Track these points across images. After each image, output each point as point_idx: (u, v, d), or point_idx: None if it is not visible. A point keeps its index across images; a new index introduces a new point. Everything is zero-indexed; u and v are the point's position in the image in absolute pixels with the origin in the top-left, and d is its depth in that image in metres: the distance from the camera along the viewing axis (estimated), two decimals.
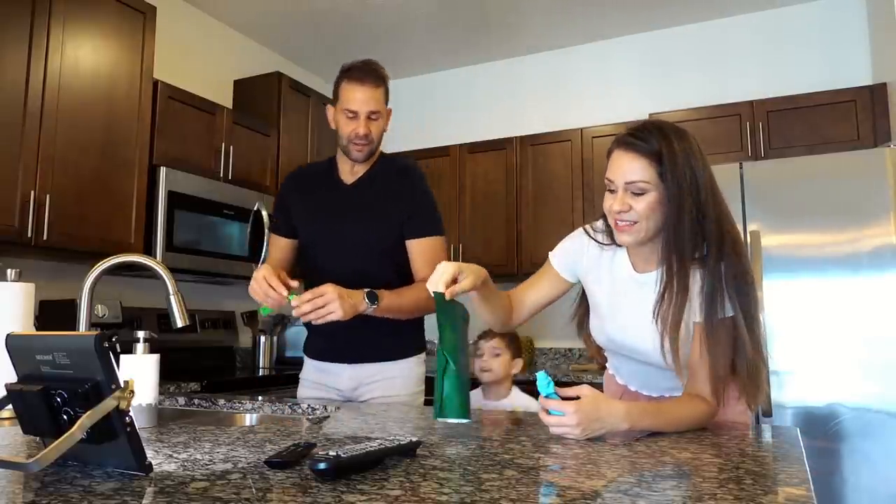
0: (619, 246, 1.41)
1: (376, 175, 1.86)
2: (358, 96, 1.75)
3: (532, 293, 1.51)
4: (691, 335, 1.29)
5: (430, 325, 1.89)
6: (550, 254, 1.51)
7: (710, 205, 1.26)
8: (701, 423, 1.24)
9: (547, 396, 1.15)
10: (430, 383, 1.90)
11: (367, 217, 1.80)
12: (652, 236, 1.29)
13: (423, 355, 1.89)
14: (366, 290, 1.60)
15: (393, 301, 1.66)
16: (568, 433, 1.11)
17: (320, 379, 1.86)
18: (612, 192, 1.30)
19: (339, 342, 1.80)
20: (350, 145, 1.78)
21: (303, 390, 1.91)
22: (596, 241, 1.44)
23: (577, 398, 1.13)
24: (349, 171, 1.86)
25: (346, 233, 1.80)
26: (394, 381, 1.79)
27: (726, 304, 1.24)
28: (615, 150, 1.30)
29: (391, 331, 1.74)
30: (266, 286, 1.54)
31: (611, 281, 1.42)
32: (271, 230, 1.95)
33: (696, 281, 1.27)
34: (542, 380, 1.16)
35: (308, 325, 1.88)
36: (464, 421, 1.15)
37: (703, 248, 1.27)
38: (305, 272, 1.90)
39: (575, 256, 1.47)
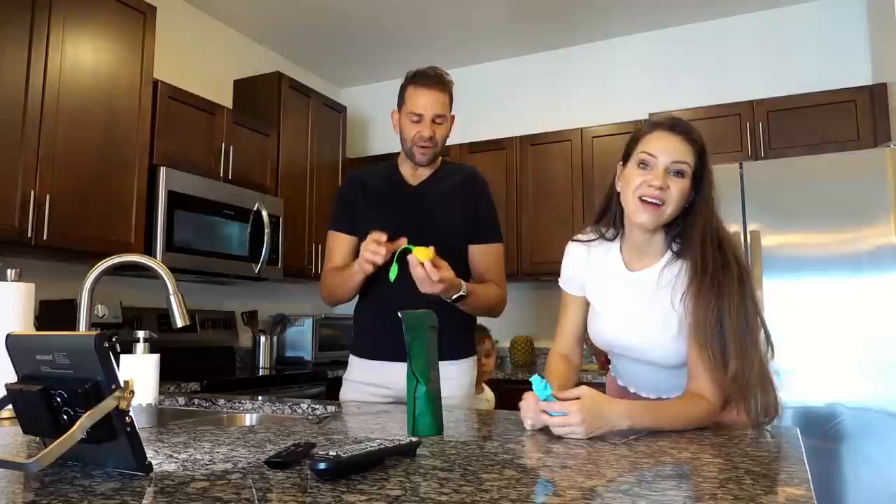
0: (610, 240, 1.43)
1: (441, 179, 1.89)
2: (423, 100, 1.79)
3: (567, 330, 1.53)
4: (681, 332, 1.30)
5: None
6: (560, 282, 1.54)
7: (715, 210, 1.32)
8: (701, 422, 1.24)
9: (545, 399, 1.15)
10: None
11: (431, 219, 1.82)
12: (666, 222, 1.32)
13: (475, 357, 1.91)
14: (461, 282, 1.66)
15: (478, 292, 1.75)
16: (572, 432, 1.10)
17: (370, 378, 1.83)
18: (644, 167, 1.30)
19: (396, 340, 1.78)
20: (414, 148, 1.82)
21: (347, 392, 1.89)
22: (584, 241, 1.48)
23: (577, 399, 1.13)
24: (411, 175, 1.89)
25: (409, 234, 1.79)
26: (450, 381, 1.74)
27: (711, 304, 1.25)
28: (660, 131, 1.32)
29: (449, 331, 1.68)
30: (373, 246, 1.60)
31: (604, 280, 1.43)
32: (329, 228, 1.93)
33: (690, 276, 1.29)
34: (538, 384, 1.16)
35: (359, 324, 1.92)
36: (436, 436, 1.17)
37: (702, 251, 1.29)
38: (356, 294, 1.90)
39: (578, 269, 1.48)
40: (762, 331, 1.29)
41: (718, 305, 1.24)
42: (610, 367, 1.62)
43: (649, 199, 1.28)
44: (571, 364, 1.51)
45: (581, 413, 1.09)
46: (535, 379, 1.16)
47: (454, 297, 1.65)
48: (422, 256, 1.53)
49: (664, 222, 1.32)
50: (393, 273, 1.57)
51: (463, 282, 1.67)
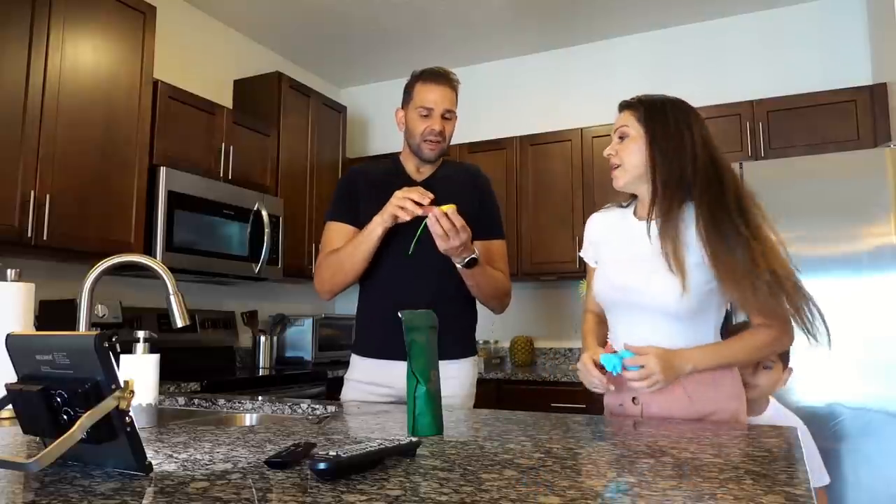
0: (626, 206, 1.59)
1: (444, 176, 1.89)
2: (434, 95, 1.80)
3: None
4: (698, 279, 1.38)
5: (481, 325, 2.02)
6: (581, 254, 1.69)
7: (699, 147, 1.43)
8: (767, 348, 1.41)
9: (622, 358, 1.30)
10: (478, 385, 1.93)
11: None
12: (638, 177, 1.48)
13: (476, 357, 1.91)
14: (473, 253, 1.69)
15: (487, 268, 1.78)
16: (654, 382, 1.29)
17: (372, 377, 1.83)
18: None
19: (398, 339, 1.77)
20: (423, 143, 1.81)
21: (349, 391, 1.88)
22: (602, 211, 1.65)
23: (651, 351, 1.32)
24: (415, 172, 1.89)
25: (413, 230, 1.77)
26: (451, 381, 1.73)
27: (727, 227, 1.35)
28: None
29: (451, 330, 1.69)
30: (408, 202, 1.62)
31: (618, 233, 1.56)
32: (328, 218, 1.89)
33: (691, 219, 1.40)
34: (609, 361, 1.30)
35: (361, 323, 1.91)
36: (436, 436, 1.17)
37: (696, 190, 1.41)
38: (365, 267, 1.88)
39: (594, 234, 1.63)
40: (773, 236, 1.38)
41: (724, 233, 1.34)
42: (609, 338, 1.61)
43: (612, 167, 1.52)
44: (604, 319, 1.63)
45: (659, 363, 1.25)
46: (604, 358, 1.29)
47: (467, 258, 1.66)
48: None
49: (630, 180, 1.49)
50: (414, 245, 1.60)
51: (476, 248, 1.69)
